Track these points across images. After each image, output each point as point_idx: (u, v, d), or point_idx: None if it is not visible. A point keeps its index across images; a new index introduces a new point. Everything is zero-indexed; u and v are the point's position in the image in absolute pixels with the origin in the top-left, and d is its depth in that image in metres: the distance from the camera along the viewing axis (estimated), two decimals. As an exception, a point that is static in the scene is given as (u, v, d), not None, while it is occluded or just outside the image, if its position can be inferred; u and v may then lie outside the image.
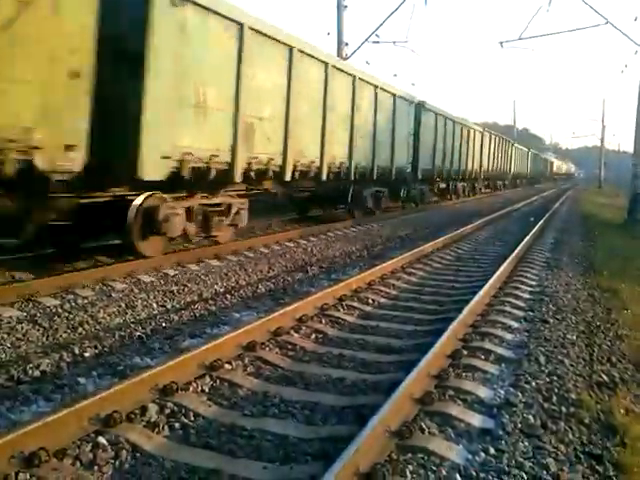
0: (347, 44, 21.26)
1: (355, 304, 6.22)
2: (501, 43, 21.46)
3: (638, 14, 17.57)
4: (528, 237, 11.74)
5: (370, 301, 6.44)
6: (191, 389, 3.83)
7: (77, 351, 4.51)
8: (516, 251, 9.63)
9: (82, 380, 3.96)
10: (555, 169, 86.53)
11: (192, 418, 3.47)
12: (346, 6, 21.19)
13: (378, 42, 21.79)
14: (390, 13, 20.83)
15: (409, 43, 27.98)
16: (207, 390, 3.87)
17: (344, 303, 6.16)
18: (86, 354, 4.49)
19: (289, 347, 4.79)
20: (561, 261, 9.77)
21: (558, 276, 8.36)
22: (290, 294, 6.72)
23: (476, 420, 3.57)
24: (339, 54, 20.49)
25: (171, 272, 7.33)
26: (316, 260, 9.02)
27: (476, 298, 6.08)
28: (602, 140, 67.17)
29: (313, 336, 5.15)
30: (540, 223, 14.99)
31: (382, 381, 4.12)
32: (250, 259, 8.62)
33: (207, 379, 3.99)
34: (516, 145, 42.70)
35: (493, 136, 32.39)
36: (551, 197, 35.61)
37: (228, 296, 6.48)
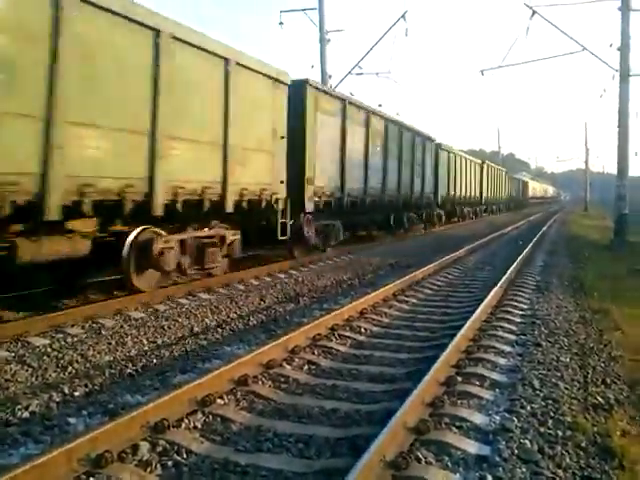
0: (331, 76, 21.61)
1: (347, 333, 6.19)
2: (482, 71, 21.77)
3: (613, 40, 17.94)
4: (517, 261, 11.80)
5: (362, 330, 6.41)
6: (183, 426, 3.77)
7: (67, 390, 4.45)
8: (506, 275, 9.66)
9: (72, 420, 3.90)
10: (531, 192, 72.49)
11: (185, 455, 3.41)
12: (329, 40, 21.59)
13: (361, 74, 22.18)
14: (372, 45, 21.28)
15: (392, 74, 28.40)
16: (199, 426, 3.81)
17: (336, 333, 6.13)
18: (76, 393, 4.42)
19: (282, 380, 4.74)
20: (551, 283, 9.81)
21: (549, 299, 8.38)
22: (282, 325, 6.68)
23: (472, 447, 3.53)
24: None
25: (161, 307, 7.28)
26: (307, 290, 8.99)
27: (468, 323, 6.08)
28: (586, 163, 68.12)
29: (306, 367, 5.11)
30: (529, 246, 15.08)
31: (376, 411, 4.08)
32: (241, 291, 8.58)
33: (199, 415, 3.93)
34: (454, 152, 26.78)
35: (388, 122, 17.05)
36: (538, 220, 35.87)
37: (219, 329, 6.44)
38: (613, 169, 21.78)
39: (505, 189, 46.72)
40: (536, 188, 78.93)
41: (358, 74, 22.09)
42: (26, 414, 4.00)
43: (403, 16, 20.49)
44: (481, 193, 34.54)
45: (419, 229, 21.62)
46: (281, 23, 21.19)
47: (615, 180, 18.55)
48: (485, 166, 35.98)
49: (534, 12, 18.54)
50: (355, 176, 14.45)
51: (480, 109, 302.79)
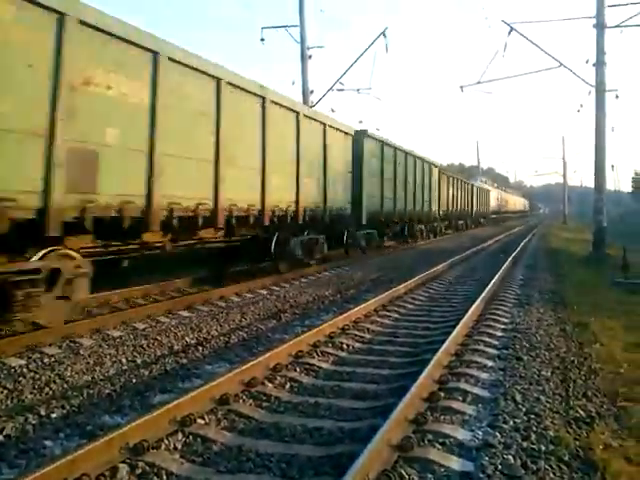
0: (312, 92, 21.71)
1: (330, 350, 6.16)
2: (461, 87, 22.05)
3: (589, 57, 18.28)
4: (498, 274, 11.88)
5: (345, 346, 6.38)
6: (163, 447, 3.70)
7: (43, 412, 4.34)
8: (487, 289, 9.70)
9: (48, 443, 3.81)
10: (495, 205, 53.95)
11: (165, 477, 3.34)
12: (310, 56, 21.72)
13: (343, 90, 22.31)
14: (353, 62, 21.41)
15: (373, 90, 28.58)
16: (180, 447, 3.74)
17: (318, 350, 6.10)
18: (53, 415, 4.32)
19: (263, 398, 4.68)
20: (532, 297, 9.87)
21: (530, 312, 8.42)
22: (263, 343, 6.62)
23: (456, 464, 3.51)
24: (305, 102, 20.87)
25: (141, 325, 7.18)
26: (289, 306, 8.94)
27: (450, 338, 6.08)
28: (564, 176, 68.92)
29: (288, 385, 5.06)
30: (510, 258, 15.19)
31: (359, 428, 4.05)
32: (222, 309, 8.50)
33: (179, 435, 3.87)
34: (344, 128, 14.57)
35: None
36: (521, 232, 36.21)
37: (200, 348, 6.36)
38: (590, 183, 22.15)
39: (443, 198, 29.56)
40: (499, 199, 59.21)
41: (339, 90, 22.21)
42: (0, 438, 3.90)
43: (383, 33, 20.69)
44: (386, 202, 18.39)
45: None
46: (262, 39, 21.30)
47: (593, 193, 18.82)
48: (412, 158, 20.80)
49: (512, 29, 18.84)
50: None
51: (460, 124, 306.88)
